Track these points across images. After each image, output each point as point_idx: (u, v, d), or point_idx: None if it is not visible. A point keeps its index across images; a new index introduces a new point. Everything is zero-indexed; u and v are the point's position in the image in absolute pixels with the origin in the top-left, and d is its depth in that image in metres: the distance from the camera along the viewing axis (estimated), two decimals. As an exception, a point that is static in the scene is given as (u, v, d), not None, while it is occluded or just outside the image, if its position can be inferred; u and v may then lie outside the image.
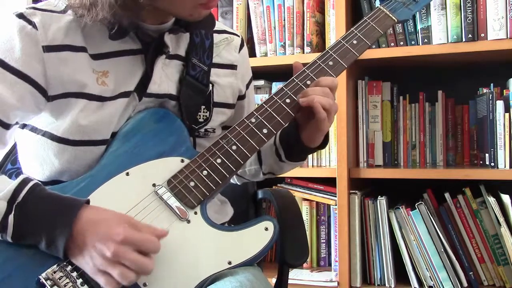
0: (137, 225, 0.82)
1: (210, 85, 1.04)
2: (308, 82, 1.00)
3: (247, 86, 1.15)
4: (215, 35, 1.09)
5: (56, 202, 0.82)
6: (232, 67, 1.10)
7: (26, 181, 0.83)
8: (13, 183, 0.82)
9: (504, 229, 1.60)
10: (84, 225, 0.80)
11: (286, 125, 0.98)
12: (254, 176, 1.21)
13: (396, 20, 1.09)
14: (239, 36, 1.15)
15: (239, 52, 1.12)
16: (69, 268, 0.80)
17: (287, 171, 1.19)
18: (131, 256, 0.78)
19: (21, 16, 0.90)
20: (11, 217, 0.80)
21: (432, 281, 1.67)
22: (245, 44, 1.16)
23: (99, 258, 0.78)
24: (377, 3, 1.13)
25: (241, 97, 1.13)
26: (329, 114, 0.97)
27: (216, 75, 1.06)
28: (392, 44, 1.77)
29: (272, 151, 1.13)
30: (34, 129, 0.95)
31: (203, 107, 1.02)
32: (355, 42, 1.04)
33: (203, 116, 1.03)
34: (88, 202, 0.84)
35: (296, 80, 1.00)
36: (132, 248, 0.78)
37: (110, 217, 0.81)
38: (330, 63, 1.02)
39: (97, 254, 0.78)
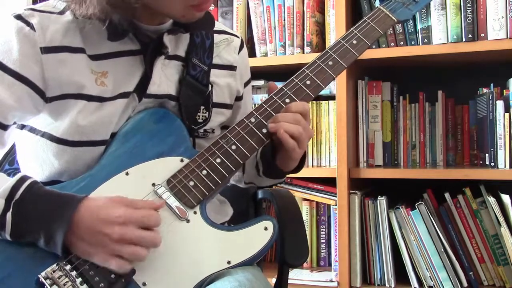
0: (133, 203, 0.83)
1: (210, 85, 1.04)
2: (308, 82, 1.00)
3: (245, 85, 1.15)
4: (215, 35, 1.09)
5: (54, 199, 0.82)
6: (231, 68, 1.10)
7: (24, 178, 0.83)
8: (11, 181, 0.83)
9: (504, 229, 1.60)
10: (82, 217, 0.81)
11: None
12: (238, 182, 1.22)
13: (396, 20, 1.09)
14: (238, 37, 1.14)
15: (238, 53, 1.12)
16: (68, 267, 0.81)
17: (267, 185, 1.19)
18: (137, 234, 0.81)
19: (19, 17, 0.90)
20: (9, 215, 0.80)
21: (432, 281, 1.67)
22: (245, 45, 1.15)
23: (107, 243, 0.80)
24: (377, 3, 1.13)
25: (239, 98, 1.13)
26: (299, 142, 0.95)
27: (215, 75, 1.06)
28: (392, 44, 1.77)
29: (253, 164, 1.13)
30: (33, 130, 0.95)
31: (202, 107, 1.02)
32: (355, 42, 1.04)
33: (202, 116, 1.03)
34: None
35: (296, 80, 1.00)
36: (135, 226, 0.81)
37: (106, 202, 0.83)
38: (330, 63, 1.01)
39: (103, 240, 0.80)
